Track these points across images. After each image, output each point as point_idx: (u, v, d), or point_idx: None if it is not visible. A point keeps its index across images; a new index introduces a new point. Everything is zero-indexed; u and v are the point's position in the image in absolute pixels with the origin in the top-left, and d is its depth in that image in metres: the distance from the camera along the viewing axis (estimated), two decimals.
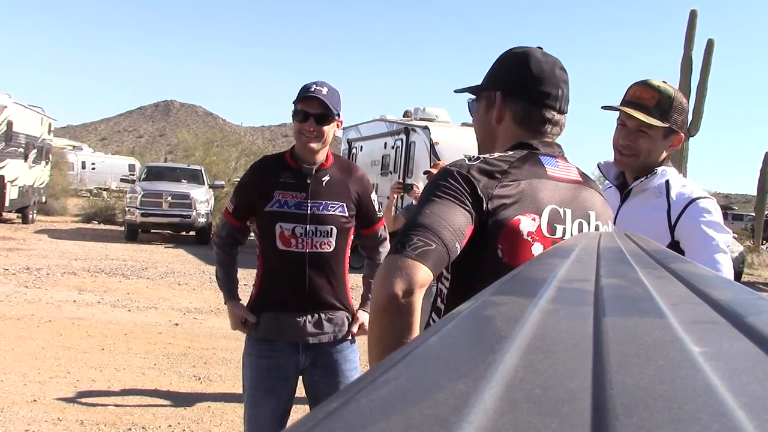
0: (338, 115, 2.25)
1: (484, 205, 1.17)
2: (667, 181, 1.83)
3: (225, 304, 2.36)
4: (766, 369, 0.31)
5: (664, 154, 1.88)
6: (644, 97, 1.80)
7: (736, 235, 18.45)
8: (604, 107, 1.89)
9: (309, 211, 2.22)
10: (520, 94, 1.33)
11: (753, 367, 0.32)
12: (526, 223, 1.22)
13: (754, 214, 26.78)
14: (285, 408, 2.28)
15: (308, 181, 2.24)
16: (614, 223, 1.69)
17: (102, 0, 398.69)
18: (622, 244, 0.95)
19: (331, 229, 2.24)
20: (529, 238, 1.22)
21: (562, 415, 0.25)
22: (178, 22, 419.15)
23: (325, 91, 2.20)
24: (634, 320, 0.42)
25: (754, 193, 24.87)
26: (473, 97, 1.44)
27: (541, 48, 1.38)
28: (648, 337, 0.37)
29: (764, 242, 24.79)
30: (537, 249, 1.22)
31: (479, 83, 1.42)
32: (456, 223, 1.12)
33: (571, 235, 1.29)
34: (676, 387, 0.28)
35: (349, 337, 2.35)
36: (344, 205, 2.27)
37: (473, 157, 1.24)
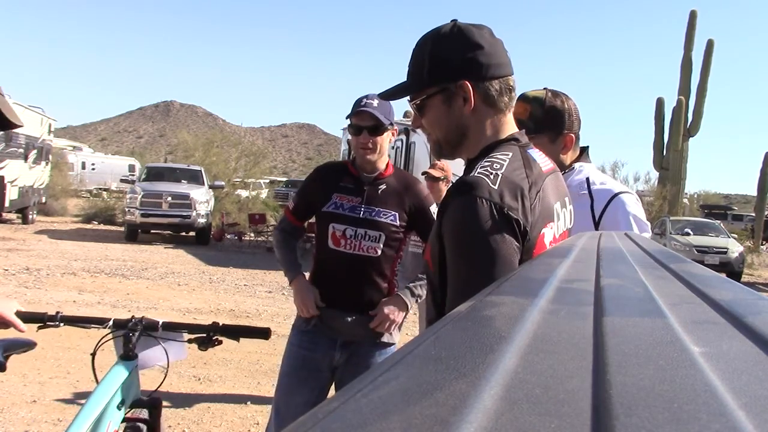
0: (391, 124, 2.34)
1: (521, 230, 1.14)
2: (587, 178, 1.91)
3: (290, 285, 2.39)
4: (766, 369, 0.31)
5: (564, 157, 1.91)
6: (519, 113, 1.80)
7: (736, 236, 18.48)
8: None
9: (361, 215, 2.31)
10: (486, 73, 1.27)
11: (753, 367, 0.32)
12: (548, 235, 1.21)
13: (754, 214, 26.79)
14: (316, 401, 2.34)
15: (365, 187, 2.35)
16: None
17: (102, 1, 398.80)
18: (622, 244, 0.95)
19: (380, 235, 2.32)
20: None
21: (562, 415, 0.25)
22: (178, 23, 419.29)
23: (375, 103, 2.28)
24: (634, 320, 0.42)
25: (754, 193, 24.89)
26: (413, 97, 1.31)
27: (455, 21, 1.30)
28: (648, 337, 0.37)
29: (764, 242, 24.78)
30: None
31: (408, 82, 1.31)
32: (516, 265, 1.10)
33: (565, 225, 1.30)
34: (676, 387, 0.28)
35: (388, 341, 2.39)
36: (396, 214, 2.35)
37: (490, 174, 1.16)
